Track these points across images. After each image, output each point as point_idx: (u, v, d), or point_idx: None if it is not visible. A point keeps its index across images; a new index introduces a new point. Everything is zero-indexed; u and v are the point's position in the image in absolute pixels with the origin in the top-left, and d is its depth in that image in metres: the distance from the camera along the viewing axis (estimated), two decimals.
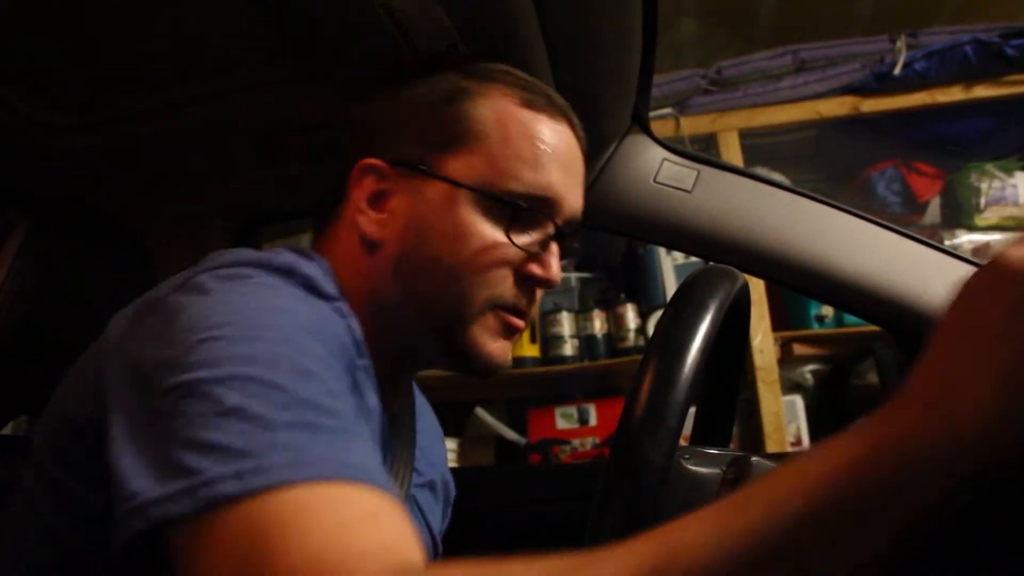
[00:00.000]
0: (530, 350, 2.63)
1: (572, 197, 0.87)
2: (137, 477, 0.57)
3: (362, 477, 0.57)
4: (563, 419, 2.66)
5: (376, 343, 0.81)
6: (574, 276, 2.78)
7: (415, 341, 0.86)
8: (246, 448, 0.55)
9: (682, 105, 2.59)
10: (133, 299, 0.76)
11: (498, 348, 0.85)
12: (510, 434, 2.70)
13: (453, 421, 2.68)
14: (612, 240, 2.71)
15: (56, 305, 1.02)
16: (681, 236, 1.18)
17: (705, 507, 0.45)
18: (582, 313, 2.67)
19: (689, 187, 1.19)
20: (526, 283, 0.84)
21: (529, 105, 0.85)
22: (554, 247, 0.86)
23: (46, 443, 0.72)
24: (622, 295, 2.64)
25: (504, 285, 0.83)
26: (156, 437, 0.58)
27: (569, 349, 2.64)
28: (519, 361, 2.61)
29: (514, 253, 0.83)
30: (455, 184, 0.82)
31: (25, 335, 0.99)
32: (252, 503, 0.53)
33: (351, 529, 0.53)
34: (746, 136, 2.58)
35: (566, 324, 2.64)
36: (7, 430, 1.33)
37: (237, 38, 0.94)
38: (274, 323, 0.65)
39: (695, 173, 1.20)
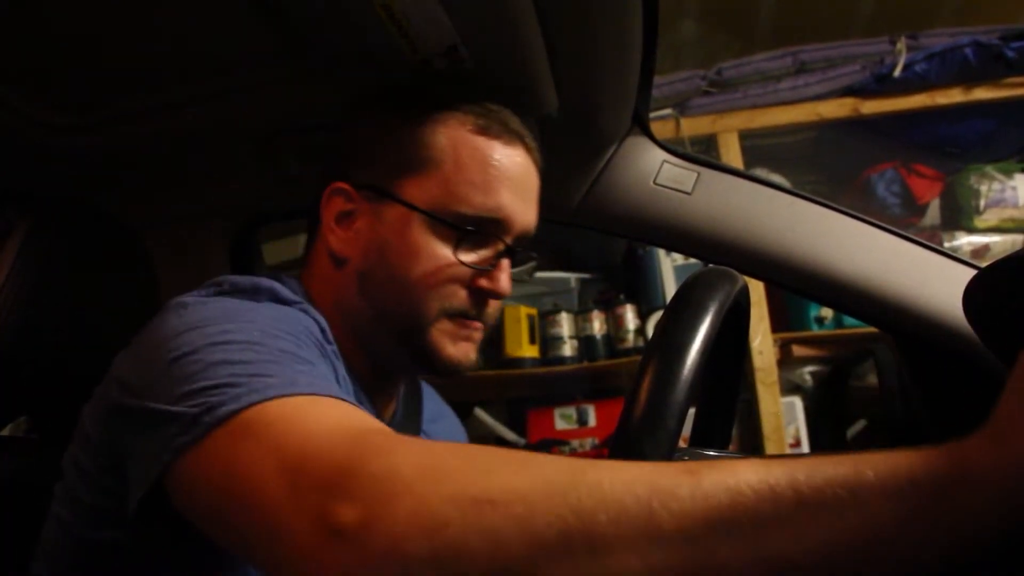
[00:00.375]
0: (529, 351, 2.62)
1: (523, 215, 0.94)
2: (146, 433, 0.65)
3: (345, 399, 0.65)
4: (562, 420, 2.66)
5: (350, 350, 0.91)
6: (573, 277, 2.78)
7: (382, 348, 0.94)
8: (237, 382, 0.62)
9: (682, 106, 2.59)
10: (133, 299, 0.79)
11: (458, 350, 0.93)
12: (509, 435, 2.70)
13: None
14: (612, 241, 2.71)
15: (56, 305, 1.02)
16: (681, 238, 1.18)
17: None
18: (581, 314, 2.67)
19: (689, 189, 1.19)
20: (477, 294, 0.92)
21: (483, 131, 0.91)
22: (504, 262, 0.93)
23: (71, 460, 0.79)
24: (621, 296, 2.64)
25: (455, 297, 0.91)
26: (157, 401, 0.65)
27: (568, 350, 2.63)
28: (518, 362, 2.61)
29: (463, 270, 0.90)
30: (409, 207, 0.89)
31: (25, 336, 0.99)
32: (254, 411, 0.60)
33: (359, 418, 0.61)
34: (746, 137, 2.58)
35: (565, 325, 2.64)
36: (7, 431, 1.33)
37: (237, 38, 0.94)
38: (243, 315, 0.73)
39: (695, 175, 1.20)
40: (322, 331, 0.81)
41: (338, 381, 0.80)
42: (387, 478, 0.50)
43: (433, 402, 1.16)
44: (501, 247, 0.93)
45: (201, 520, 0.63)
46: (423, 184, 0.89)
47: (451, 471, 0.49)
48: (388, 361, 0.96)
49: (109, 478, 0.73)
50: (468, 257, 0.90)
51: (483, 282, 0.91)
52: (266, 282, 0.82)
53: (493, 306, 0.95)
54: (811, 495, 0.41)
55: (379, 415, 0.96)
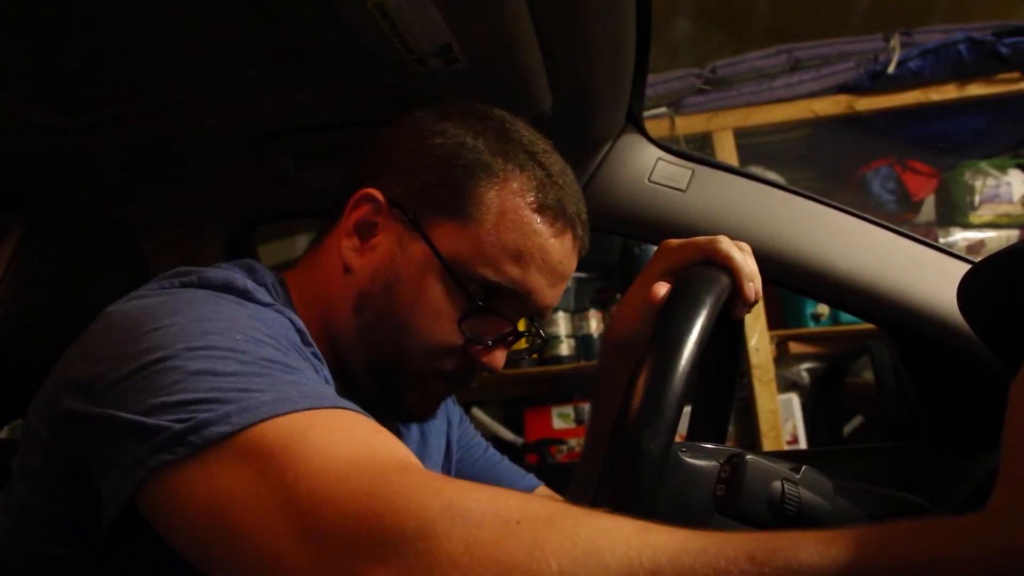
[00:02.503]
0: None
1: (544, 298, 0.88)
2: (120, 444, 0.60)
3: (343, 405, 0.61)
4: (560, 419, 2.67)
5: (327, 353, 0.85)
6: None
7: (352, 366, 0.88)
8: (224, 397, 0.58)
9: (677, 104, 2.59)
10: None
11: (422, 403, 0.89)
12: (507, 434, 2.70)
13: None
14: (608, 240, 2.71)
15: (53, 307, 1.02)
16: (676, 235, 1.17)
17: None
18: (578, 313, 2.67)
19: (684, 186, 1.20)
20: (469, 363, 0.87)
21: (539, 210, 0.84)
22: (505, 336, 0.88)
23: (20, 466, 0.74)
24: (618, 295, 2.64)
25: (448, 361, 0.86)
26: (130, 410, 0.60)
27: (565, 349, 2.64)
28: (515, 361, 2.61)
29: (462, 338, 0.84)
30: (435, 253, 0.83)
31: (22, 337, 0.99)
32: (250, 434, 0.56)
33: (367, 443, 0.57)
34: (741, 135, 2.58)
35: (562, 324, 2.65)
36: (4, 433, 1.33)
37: (232, 40, 0.94)
38: (216, 310, 0.68)
39: (689, 172, 1.21)
40: (299, 332, 0.77)
41: (320, 377, 0.76)
42: (425, 547, 0.47)
43: None
44: (508, 327, 0.87)
45: (181, 543, 0.59)
46: (457, 233, 0.83)
47: (495, 542, 0.46)
48: (353, 377, 0.89)
49: (64, 487, 0.68)
50: (472, 328, 0.84)
51: (481, 357, 0.86)
52: (240, 279, 0.77)
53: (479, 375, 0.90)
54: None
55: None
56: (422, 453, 1.04)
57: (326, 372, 0.80)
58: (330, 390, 0.67)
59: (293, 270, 0.92)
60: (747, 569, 0.42)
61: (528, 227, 0.84)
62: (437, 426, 1.08)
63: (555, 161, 0.88)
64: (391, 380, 0.87)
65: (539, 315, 0.91)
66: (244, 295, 0.76)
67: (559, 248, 0.86)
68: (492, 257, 0.83)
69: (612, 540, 0.45)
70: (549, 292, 0.88)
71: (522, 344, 0.98)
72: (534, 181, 0.85)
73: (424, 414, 0.90)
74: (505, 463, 1.15)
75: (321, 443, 0.55)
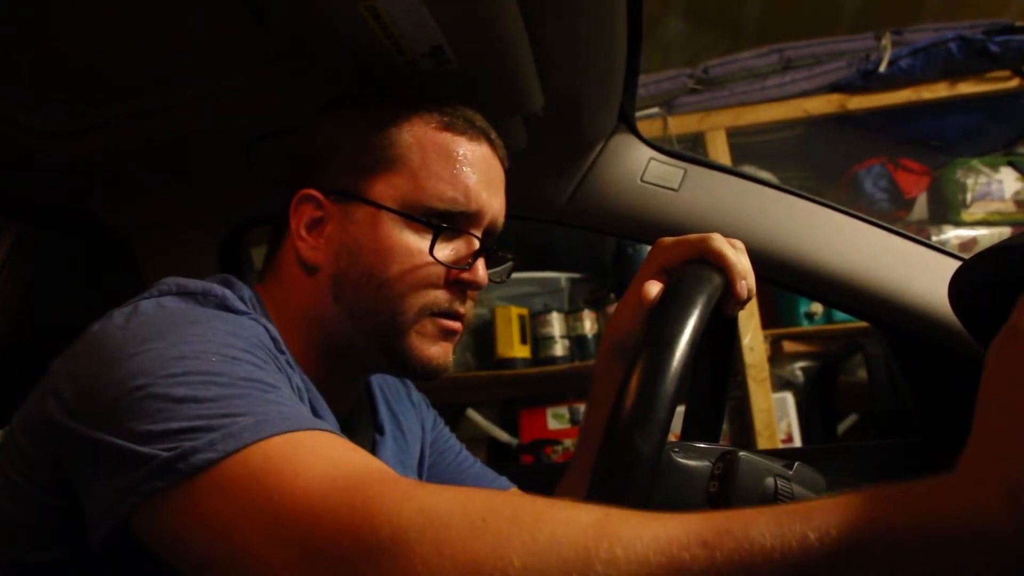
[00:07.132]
0: (521, 351, 2.62)
1: (491, 206, 0.93)
2: (110, 469, 0.63)
3: (320, 426, 0.64)
4: (554, 419, 2.66)
5: (319, 356, 0.90)
6: (563, 277, 2.78)
7: (358, 352, 0.92)
8: (209, 425, 0.61)
9: (669, 104, 2.59)
10: (121, 304, 0.78)
11: (437, 351, 0.91)
12: (502, 435, 2.70)
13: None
14: (601, 240, 2.72)
15: (46, 311, 1.01)
16: (669, 235, 1.18)
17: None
18: (572, 313, 2.67)
19: (676, 186, 1.20)
20: (456, 287, 0.90)
21: (448, 127, 0.91)
22: (478, 252, 0.91)
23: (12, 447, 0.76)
24: (612, 295, 2.64)
25: (434, 293, 0.89)
26: (120, 436, 0.63)
27: (560, 349, 2.64)
28: (510, 362, 2.61)
29: (439, 267, 0.88)
30: (378, 206, 0.88)
31: (14, 342, 0.98)
32: (235, 460, 0.59)
33: (345, 458, 0.61)
34: (733, 135, 2.58)
35: (556, 325, 2.64)
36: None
37: (224, 43, 0.94)
38: (193, 331, 0.71)
39: (682, 172, 1.21)
40: (273, 340, 0.80)
41: (292, 384, 0.79)
42: (399, 550, 0.50)
43: (397, 397, 1.13)
44: (475, 244, 0.91)
45: (177, 560, 0.63)
46: (391, 181, 0.88)
47: (462, 542, 0.49)
48: (362, 364, 0.95)
49: (45, 496, 0.71)
50: (442, 253, 0.88)
51: (463, 275, 0.89)
52: (217, 289, 0.81)
53: (471, 301, 0.94)
54: (820, 550, 0.41)
55: (335, 414, 0.92)
56: (401, 458, 1.05)
57: (298, 379, 0.82)
58: (305, 410, 0.70)
59: (262, 284, 0.95)
60: (699, 554, 0.43)
61: (447, 147, 0.90)
62: (413, 430, 1.10)
63: (462, 95, 0.95)
64: (392, 339, 0.89)
65: (491, 232, 0.95)
66: (222, 303, 0.79)
67: (480, 155, 0.93)
68: (431, 188, 0.88)
69: (570, 532, 0.47)
70: (491, 203, 0.93)
71: (504, 263, 1.04)
72: (435, 112, 0.92)
73: (440, 361, 0.91)
74: (478, 466, 1.17)
75: (302, 464, 0.59)
